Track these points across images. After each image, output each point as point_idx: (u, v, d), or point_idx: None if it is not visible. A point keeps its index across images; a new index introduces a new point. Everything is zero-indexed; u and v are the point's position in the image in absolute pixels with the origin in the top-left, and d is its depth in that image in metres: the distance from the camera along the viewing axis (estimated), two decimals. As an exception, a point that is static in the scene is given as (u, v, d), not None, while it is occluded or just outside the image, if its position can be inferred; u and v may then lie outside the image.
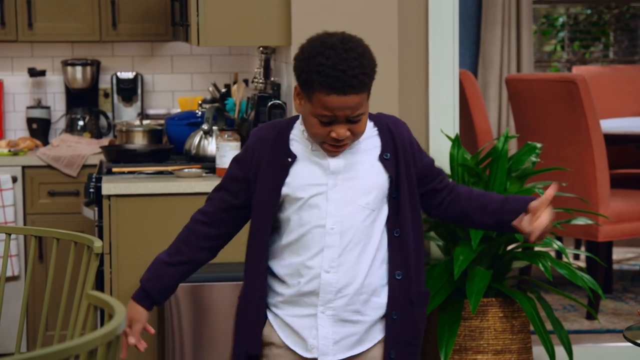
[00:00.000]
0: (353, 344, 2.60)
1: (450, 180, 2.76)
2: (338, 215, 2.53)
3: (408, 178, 2.60)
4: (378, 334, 2.62)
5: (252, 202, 2.58)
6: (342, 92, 2.43)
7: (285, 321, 2.61)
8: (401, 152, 2.59)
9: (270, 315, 2.62)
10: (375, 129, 2.61)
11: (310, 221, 2.54)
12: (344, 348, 2.59)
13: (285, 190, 2.55)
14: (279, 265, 2.60)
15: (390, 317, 2.60)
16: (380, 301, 2.60)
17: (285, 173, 2.55)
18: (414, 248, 2.61)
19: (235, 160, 2.64)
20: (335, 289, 2.55)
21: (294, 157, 2.55)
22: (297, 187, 2.55)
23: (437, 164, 2.72)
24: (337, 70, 2.42)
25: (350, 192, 2.55)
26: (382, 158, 2.58)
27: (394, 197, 2.58)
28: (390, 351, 2.61)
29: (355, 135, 2.52)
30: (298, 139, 2.58)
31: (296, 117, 2.62)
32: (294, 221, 2.56)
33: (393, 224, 2.58)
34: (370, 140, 2.60)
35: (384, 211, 2.59)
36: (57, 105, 5.57)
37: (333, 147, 2.51)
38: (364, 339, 2.61)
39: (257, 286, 2.60)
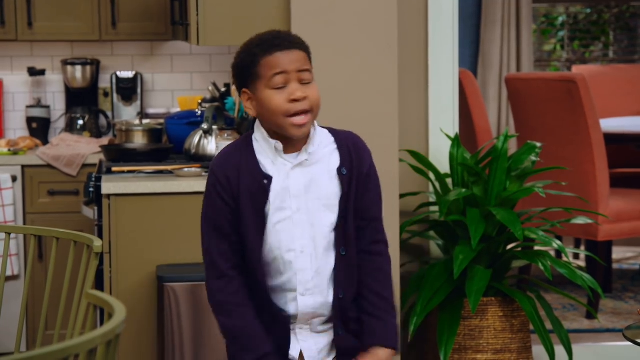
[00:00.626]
0: (329, 351, 2.65)
1: (380, 240, 2.67)
2: (305, 238, 2.54)
3: (356, 197, 2.59)
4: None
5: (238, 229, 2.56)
6: (284, 48, 2.50)
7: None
8: (355, 172, 2.58)
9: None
10: (334, 142, 2.60)
11: (281, 245, 2.55)
12: (326, 353, 2.63)
13: (267, 210, 2.54)
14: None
15: (337, 334, 2.62)
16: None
17: (266, 196, 2.54)
18: (355, 266, 2.61)
19: (211, 196, 2.59)
20: (313, 310, 2.58)
21: (270, 179, 2.54)
22: (272, 209, 2.54)
23: (383, 217, 2.67)
24: (274, 35, 2.54)
25: (315, 212, 2.55)
26: (339, 173, 2.58)
27: (343, 215, 2.57)
28: (339, 328, 2.61)
29: (313, 103, 2.50)
30: (263, 153, 2.56)
31: (248, 135, 2.60)
32: (269, 243, 2.56)
33: (340, 242, 2.58)
34: (328, 152, 2.59)
35: (338, 228, 2.59)
36: (57, 105, 5.57)
37: (298, 114, 2.49)
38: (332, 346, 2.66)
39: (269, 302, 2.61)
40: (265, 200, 2.53)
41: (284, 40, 2.52)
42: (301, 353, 2.60)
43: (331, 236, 2.57)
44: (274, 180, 2.54)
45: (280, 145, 2.54)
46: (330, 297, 2.58)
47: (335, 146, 2.60)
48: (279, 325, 2.59)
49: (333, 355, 2.64)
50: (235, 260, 2.57)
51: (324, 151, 2.58)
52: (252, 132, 2.61)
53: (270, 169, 2.55)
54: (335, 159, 2.59)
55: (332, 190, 2.57)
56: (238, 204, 2.54)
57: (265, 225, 2.54)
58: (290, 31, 2.59)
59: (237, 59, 2.57)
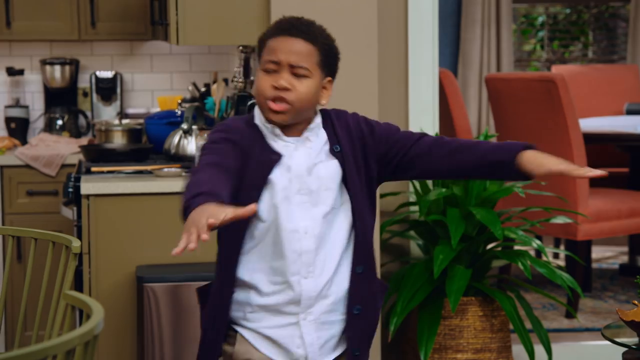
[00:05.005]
0: (335, 345, 2.58)
1: (422, 134, 2.60)
2: (307, 219, 2.49)
3: (365, 168, 2.55)
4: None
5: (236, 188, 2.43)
6: (288, 33, 2.50)
7: (263, 333, 2.55)
8: (348, 141, 2.55)
9: (241, 331, 2.55)
10: (320, 121, 2.57)
11: (284, 226, 2.49)
12: (328, 350, 2.57)
13: (265, 190, 2.48)
14: (250, 272, 2.53)
15: (351, 312, 2.55)
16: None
17: (268, 171, 2.48)
18: (371, 240, 2.58)
19: (217, 141, 2.47)
20: (315, 294, 2.51)
21: (279, 156, 2.50)
22: (272, 191, 2.48)
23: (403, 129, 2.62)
24: (287, 20, 2.55)
25: (317, 193, 2.50)
26: (332, 151, 2.54)
27: (350, 191, 2.53)
28: (354, 348, 2.57)
29: (296, 96, 2.46)
30: (266, 135, 2.53)
31: (250, 117, 2.56)
32: (266, 223, 2.50)
33: (353, 217, 2.54)
34: (318, 133, 2.55)
35: (344, 206, 2.54)
36: (36, 105, 5.55)
37: (273, 100, 2.45)
38: (343, 339, 2.59)
39: (227, 302, 2.52)
40: (267, 174, 2.47)
41: (295, 28, 2.51)
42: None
43: (334, 214, 2.51)
44: (281, 159, 2.49)
45: (278, 131, 2.51)
46: (335, 278, 2.51)
47: (320, 125, 2.57)
48: (283, 320, 2.52)
49: (339, 351, 2.58)
50: (220, 167, 2.41)
51: (321, 137, 2.56)
52: (252, 115, 2.57)
53: (278, 147, 2.51)
54: (323, 139, 2.55)
55: (331, 170, 2.52)
56: (245, 164, 2.46)
57: (261, 199, 2.47)
58: (316, 23, 2.55)
59: (259, 40, 2.57)
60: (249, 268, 2.53)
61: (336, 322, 2.56)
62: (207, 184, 2.30)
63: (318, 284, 2.51)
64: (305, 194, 2.50)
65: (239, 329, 2.56)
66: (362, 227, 2.54)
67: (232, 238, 2.52)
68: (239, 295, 2.54)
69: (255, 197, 2.46)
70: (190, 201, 2.25)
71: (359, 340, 2.58)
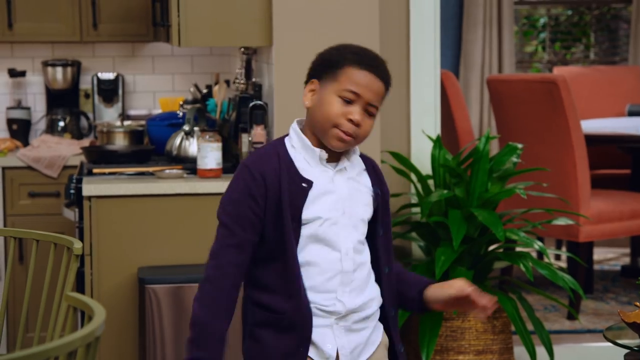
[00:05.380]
0: (361, 351, 2.66)
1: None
2: (348, 240, 2.58)
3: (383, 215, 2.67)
4: (377, 337, 2.67)
5: (268, 230, 2.55)
6: (373, 71, 2.54)
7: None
8: (382, 195, 2.65)
9: None
10: (362, 164, 2.66)
11: (326, 245, 2.57)
12: (355, 356, 2.65)
13: (305, 215, 2.55)
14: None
15: (389, 315, 2.67)
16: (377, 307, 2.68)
17: (303, 199, 2.55)
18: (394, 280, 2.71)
19: (240, 190, 2.57)
20: (349, 309, 2.60)
21: (310, 183, 2.56)
22: (313, 213, 2.56)
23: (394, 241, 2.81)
24: (373, 57, 2.58)
25: (355, 217, 2.60)
26: (374, 191, 2.64)
27: (380, 235, 2.65)
28: (399, 344, 2.69)
29: (362, 133, 2.55)
30: (301, 160, 2.58)
31: (280, 141, 2.62)
32: (311, 244, 2.58)
33: (384, 261, 2.66)
34: (361, 170, 2.64)
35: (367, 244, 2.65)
36: (38, 106, 5.55)
37: (345, 132, 2.52)
38: (368, 344, 2.66)
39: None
40: (302, 203, 2.54)
41: (379, 66, 2.56)
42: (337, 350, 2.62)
43: (365, 247, 2.63)
44: (315, 185, 2.56)
45: (324, 154, 2.57)
46: (368, 297, 2.62)
47: (363, 167, 2.66)
48: (321, 321, 2.58)
49: (367, 354, 2.65)
50: (239, 259, 2.55)
51: (357, 172, 2.64)
52: (283, 139, 2.62)
53: (311, 174, 2.57)
54: (366, 179, 2.64)
55: (367, 205, 2.62)
56: (278, 204, 2.53)
57: (300, 227, 2.55)
58: (386, 64, 2.62)
59: (326, 52, 2.61)
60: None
61: (365, 329, 2.65)
62: (219, 338, 2.54)
63: (352, 301, 2.60)
64: (348, 217, 2.59)
65: None
66: (387, 235, 2.68)
67: (289, 254, 2.59)
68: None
69: (294, 236, 2.55)
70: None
71: (400, 338, 2.72)
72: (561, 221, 4.38)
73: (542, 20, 8.21)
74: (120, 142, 4.71)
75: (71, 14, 5.25)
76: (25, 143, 5.41)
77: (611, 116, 6.99)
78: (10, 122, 5.45)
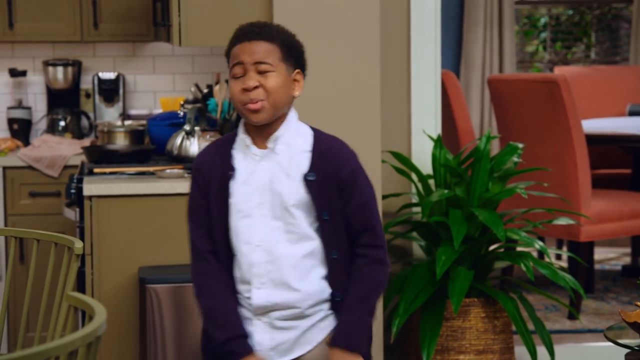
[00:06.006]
0: (289, 347, 2.65)
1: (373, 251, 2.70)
2: (263, 231, 2.61)
3: (342, 202, 2.64)
4: (318, 334, 2.65)
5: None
6: (246, 39, 2.62)
7: None
8: (331, 176, 2.63)
9: None
10: (311, 145, 2.66)
11: (240, 238, 2.63)
12: (281, 352, 2.65)
13: (231, 204, 2.65)
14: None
15: (334, 300, 2.65)
16: (321, 305, 2.65)
17: (228, 188, 2.65)
18: (346, 267, 2.66)
19: (191, 183, 2.74)
20: (269, 305, 2.61)
21: (234, 170, 2.66)
22: (236, 203, 2.65)
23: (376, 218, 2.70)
24: (247, 27, 2.66)
25: (277, 208, 2.61)
26: (305, 178, 2.63)
27: (325, 218, 2.62)
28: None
29: (268, 92, 2.60)
30: (238, 149, 2.68)
31: (236, 130, 2.72)
32: (230, 235, 2.66)
33: (329, 245, 2.64)
34: (299, 152, 2.64)
35: (312, 231, 2.63)
36: (38, 106, 5.55)
37: (250, 102, 2.59)
38: (300, 342, 2.65)
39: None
40: (228, 192, 2.64)
41: (251, 32, 2.63)
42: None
43: (298, 236, 2.61)
44: (239, 173, 2.64)
45: (248, 140, 2.65)
46: (293, 294, 2.61)
47: (310, 149, 2.64)
48: (245, 312, 2.66)
49: (299, 352, 2.64)
50: (212, 245, 2.68)
51: (295, 150, 2.63)
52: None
53: (240, 163, 2.66)
54: (304, 163, 2.63)
55: (295, 192, 2.62)
56: (209, 194, 2.66)
57: (229, 217, 2.64)
58: (269, 23, 2.70)
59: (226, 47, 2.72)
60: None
61: (295, 328, 2.66)
62: (228, 314, 2.63)
63: (271, 295, 2.62)
64: (266, 208, 2.62)
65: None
66: (341, 254, 2.65)
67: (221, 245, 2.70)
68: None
69: (222, 224, 2.66)
70: (227, 346, 2.61)
71: None
72: (562, 221, 4.37)
73: (542, 20, 8.21)
74: (121, 141, 4.71)
75: (72, 13, 5.25)
76: (26, 143, 5.41)
77: (612, 116, 6.99)
78: (11, 121, 5.45)
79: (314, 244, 2.62)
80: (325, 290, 2.64)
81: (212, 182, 2.66)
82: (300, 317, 2.63)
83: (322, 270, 2.64)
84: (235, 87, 2.62)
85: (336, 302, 2.64)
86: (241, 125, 2.69)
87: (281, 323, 2.62)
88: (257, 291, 2.61)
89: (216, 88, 4.74)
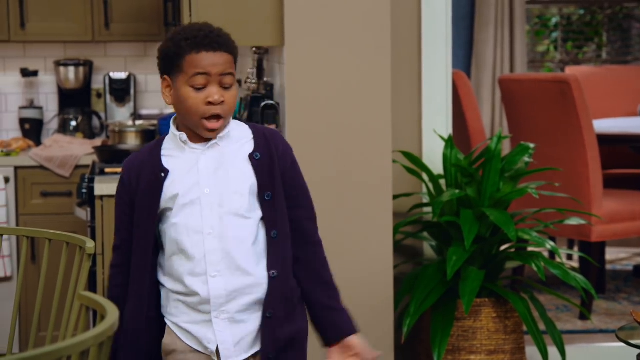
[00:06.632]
0: (252, 342, 2.62)
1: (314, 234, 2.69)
2: (213, 218, 2.56)
3: (282, 181, 2.63)
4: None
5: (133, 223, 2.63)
6: (211, 49, 2.54)
7: (183, 327, 2.62)
8: (274, 157, 2.62)
9: (169, 323, 2.64)
10: (251, 134, 2.65)
11: (189, 228, 2.58)
12: (245, 347, 2.61)
13: (162, 204, 2.59)
14: (166, 278, 2.63)
15: (265, 316, 2.60)
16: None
17: (160, 189, 2.59)
18: (289, 248, 2.64)
19: (116, 191, 2.69)
20: (226, 292, 2.57)
21: (166, 172, 2.60)
22: (171, 199, 2.59)
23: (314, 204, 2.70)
24: (203, 32, 2.57)
25: (224, 194, 2.58)
26: (252, 157, 2.61)
27: (267, 199, 2.60)
28: (269, 352, 2.61)
29: (228, 106, 2.56)
30: (171, 149, 2.63)
31: (164, 136, 2.68)
32: (173, 231, 2.59)
33: (270, 225, 2.61)
34: (243, 142, 2.63)
35: (258, 212, 2.60)
36: (50, 106, 5.56)
37: (210, 119, 2.55)
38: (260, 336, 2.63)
39: (148, 301, 2.64)
40: (159, 192, 2.58)
41: (213, 41, 2.55)
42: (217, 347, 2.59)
43: (247, 220, 2.58)
44: (176, 170, 2.59)
45: (184, 136, 2.60)
46: (248, 278, 2.58)
47: (251, 137, 2.64)
48: (198, 317, 2.60)
49: (255, 349, 2.61)
50: (124, 257, 2.64)
51: (238, 142, 2.63)
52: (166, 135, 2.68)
53: (173, 162, 2.60)
54: (249, 147, 2.62)
55: (243, 174, 2.59)
56: (134, 201, 2.61)
57: (157, 217, 2.59)
58: (221, 30, 2.62)
59: (164, 45, 2.62)
60: (163, 270, 2.68)
61: (253, 321, 2.61)
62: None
63: (227, 283, 2.57)
64: (213, 196, 2.57)
65: (167, 321, 2.66)
66: (280, 236, 2.61)
67: (142, 250, 2.64)
68: (164, 292, 2.67)
69: (149, 227, 2.60)
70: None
71: (271, 344, 2.61)
72: (573, 221, 4.37)
73: (554, 20, 8.19)
74: (132, 141, 4.72)
75: (83, 13, 5.26)
76: (38, 143, 5.42)
77: (623, 116, 6.98)
78: (22, 121, 5.46)
79: (260, 225, 2.61)
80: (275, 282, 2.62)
81: (139, 189, 2.61)
82: (258, 304, 2.60)
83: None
84: (196, 98, 2.54)
85: (274, 278, 2.61)
86: (172, 123, 2.64)
87: (240, 316, 2.59)
88: (212, 280, 2.55)
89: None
